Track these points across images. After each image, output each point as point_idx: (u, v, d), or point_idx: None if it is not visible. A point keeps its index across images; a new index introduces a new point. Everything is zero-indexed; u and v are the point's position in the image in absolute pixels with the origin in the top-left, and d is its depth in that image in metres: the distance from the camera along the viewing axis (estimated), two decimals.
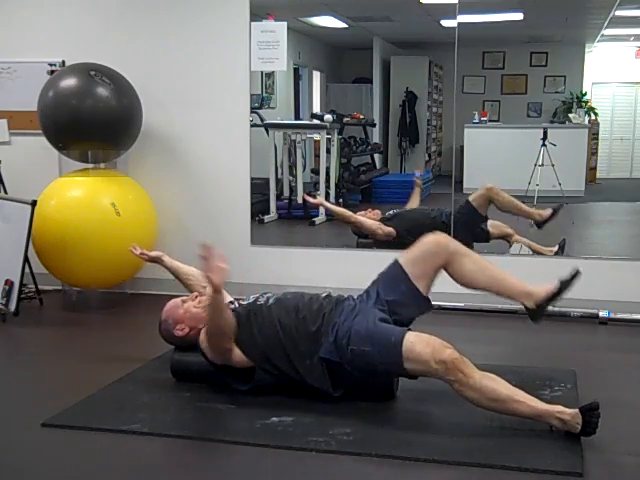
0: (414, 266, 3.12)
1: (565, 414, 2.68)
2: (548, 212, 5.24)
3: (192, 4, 5.00)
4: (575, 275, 3.10)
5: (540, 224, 5.27)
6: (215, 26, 4.99)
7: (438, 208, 5.28)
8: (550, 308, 3.09)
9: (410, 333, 2.87)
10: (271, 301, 3.20)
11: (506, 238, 5.18)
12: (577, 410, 2.68)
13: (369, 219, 5.35)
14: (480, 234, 5.18)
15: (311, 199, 5.53)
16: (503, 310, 4.46)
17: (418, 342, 2.80)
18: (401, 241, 5.12)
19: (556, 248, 5.12)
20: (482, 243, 5.14)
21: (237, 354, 3.07)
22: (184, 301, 3.32)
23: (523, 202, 5.46)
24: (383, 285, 3.18)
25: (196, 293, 3.39)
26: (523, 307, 3.11)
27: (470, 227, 5.18)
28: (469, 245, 4.99)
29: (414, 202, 5.60)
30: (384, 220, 5.32)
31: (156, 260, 3.76)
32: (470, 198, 5.24)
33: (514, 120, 6.42)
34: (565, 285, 3.09)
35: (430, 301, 3.15)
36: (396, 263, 3.16)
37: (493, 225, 5.23)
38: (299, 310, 3.11)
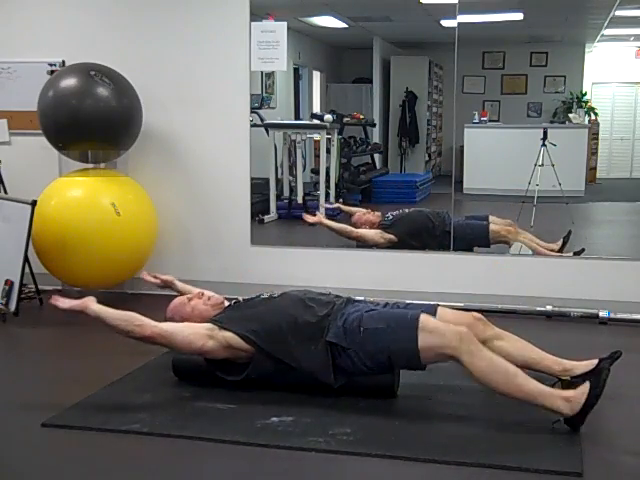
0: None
1: (569, 393, 2.76)
2: (559, 243, 5.20)
3: (192, 4, 5.00)
4: (616, 357, 2.99)
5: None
6: (215, 26, 4.99)
7: (438, 213, 5.27)
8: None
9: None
10: (276, 295, 3.26)
11: (506, 241, 5.17)
12: (580, 390, 2.75)
13: (371, 223, 5.34)
14: (481, 239, 5.19)
15: (310, 218, 5.45)
16: (503, 310, 4.46)
17: (434, 320, 2.93)
18: (402, 245, 5.14)
19: (560, 242, 5.13)
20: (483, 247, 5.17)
21: (235, 342, 3.08)
22: (190, 299, 3.34)
23: (523, 202, 5.47)
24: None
25: (201, 290, 3.41)
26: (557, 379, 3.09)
27: (473, 234, 5.20)
28: (469, 248, 5.07)
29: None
30: (384, 227, 5.30)
31: (168, 284, 3.80)
32: (492, 225, 5.21)
33: (514, 120, 6.42)
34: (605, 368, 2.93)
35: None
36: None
37: (494, 230, 5.22)
38: (306, 302, 3.16)
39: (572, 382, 3.07)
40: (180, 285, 3.80)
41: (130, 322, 3.00)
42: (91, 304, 3.03)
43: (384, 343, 2.94)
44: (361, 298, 3.36)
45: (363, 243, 5.28)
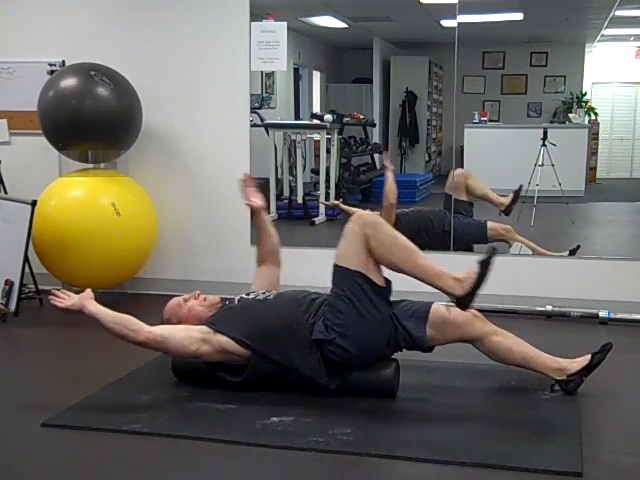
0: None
1: (460, 274, 2.94)
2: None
3: (192, 4, 5.00)
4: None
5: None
6: (215, 26, 4.98)
7: (438, 212, 5.27)
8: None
9: None
10: (271, 296, 3.24)
11: (505, 239, 5.18)
12: (470, 270, 2.91)
13: None
14: (479, 236, 5.19)
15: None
16: (503, 310, 4.46)
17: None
18: None
19: (510, 196, 5.26)
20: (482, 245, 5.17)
21: (230, 346, 3.07)
22: (186, 300, 3.33)
23: (523, 202, 5.47)
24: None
25: (198, 292, 3.40)
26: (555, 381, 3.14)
27: (471, 233, 5.20)
28: (469, 248, 5.08)
29: None
30: None
31: (255, 210, 3.60)
32: (490, 224, 5.26)
33: (514, 120, 6.42)
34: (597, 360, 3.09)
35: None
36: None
37: (492, 227, 5.24)
38: (300, 303, 3.15)
39: (569, 381, 3.09)
40: (264, 219, 3.62)
41: (125, 326, 2.99)
42: (88, 304, 3.02)
43: (342, 300, 3.01)
44: None
45: None
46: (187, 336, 3.06)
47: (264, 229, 3.64)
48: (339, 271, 3.06)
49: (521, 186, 5.33)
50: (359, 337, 3.02)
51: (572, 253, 4.93)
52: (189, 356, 3.09)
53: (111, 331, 3.00)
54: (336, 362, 3.04)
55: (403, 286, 3.21)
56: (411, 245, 3.02)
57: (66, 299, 3.06)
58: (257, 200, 3.59)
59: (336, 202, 5.58)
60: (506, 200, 5.31)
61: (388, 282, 3.11)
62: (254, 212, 3.60)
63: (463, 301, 2.95)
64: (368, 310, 3.02)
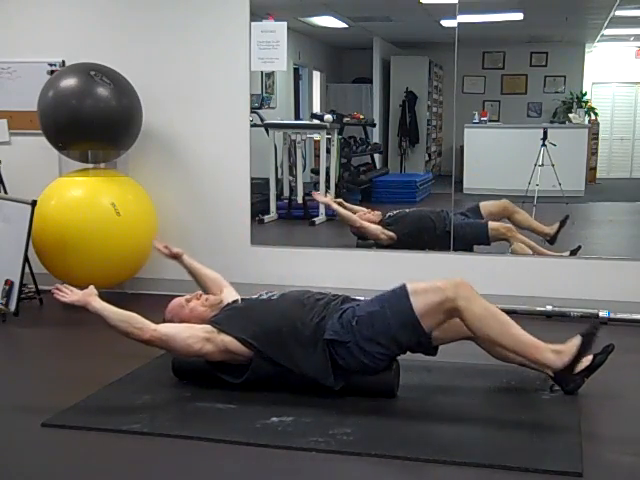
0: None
1: (559, 347, 2.85)
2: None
3: (192, 4, 5.00)
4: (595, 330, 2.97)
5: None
6: (215, 26, 4.98)
7: (439, 212, 5.27)
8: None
9: None
10: (275, 296, 3.25)
11: (507, 239, 5.18)
12: (571, 343, 2.85)
13: (371, 223, 5.34)
14: (481, 237, 5.19)
15: (319, 197, 5.50)
16: (503, 310, 4.45)
17: (422, 282, 2.96)
18: (402, 245, 5.14)
19: (556, 226, 5.22)
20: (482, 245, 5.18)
21: (234, 346, 3.07)
22: (188, 300, 3.33)
23: (523, 202, 5.47)
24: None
25: (199, 292, 3.40)
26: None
27: (472, 233, 5.21)
28: (469, 248, 5.08)
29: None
30: (385, 224, 5.31)
31: (177, 257, 3.69)
32: (491, 224, 5.23)
33: (514, 120, 6.42)
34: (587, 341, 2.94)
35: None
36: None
37: (493, 227, 5.23)
38: (305, 303, 3.15)
39: (570, 381, 3.08)
40: (188, 261, 3.70)
41: (130, 324, 2.99)
42: (93, 301, 3.02)
43: (383, 323, 2.95)
44: (361, 298, 3.35)
45: (363, 236, 5.28)
46: (191, 335, 3.06)
47: (193, 267, 3.68)
48: (403, 297, 2.94)
49: (567, 216, 5.29)
50: (375, 357, 3.00)
51: (573, 253, 4.93)
52: (193, 355, 3.09)
53: (116, 329, 3.00)
54: (341, 366, 3.03)
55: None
56: (504, 316, 2.91)
57: (69, 294, 3.06)
58: (168, 247, 3.66)
59: (326, 199, 5.56)
60: (551, 230, 5.24)
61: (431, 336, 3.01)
62: (175, 258, 3.68)
63: (561, 374, 2.87)
64: (397, 344, 2.99)
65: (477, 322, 2.86)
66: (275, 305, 3.19)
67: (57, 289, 3.09)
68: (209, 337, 3.07)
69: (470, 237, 5.18)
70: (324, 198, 5.50)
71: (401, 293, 2.95)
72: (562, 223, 5.27)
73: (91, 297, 3.03)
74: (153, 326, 3.03)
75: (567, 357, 2.82)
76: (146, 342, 3.02)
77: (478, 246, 5.18)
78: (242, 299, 3.31)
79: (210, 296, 3.37)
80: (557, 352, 2.85)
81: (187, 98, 5.08)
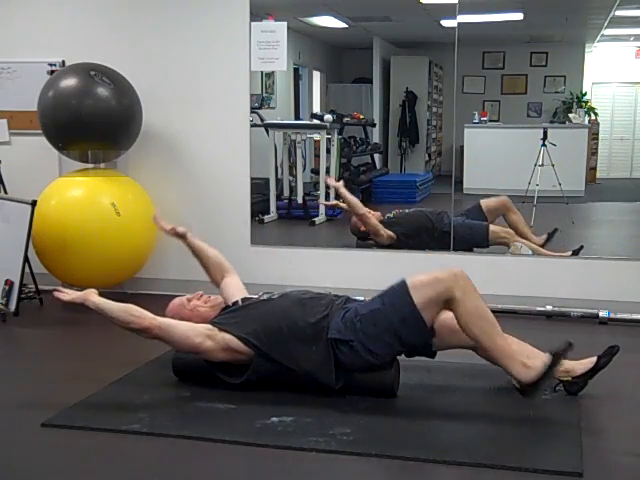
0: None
1: (530, 362, 2.87)
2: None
3: (192, 4, 5.00)
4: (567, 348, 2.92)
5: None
6: (215, 26, 4.98)
7: (438, 213, 5.27)
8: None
9: None
10: (275, 296, 3.25)
11: (506, 242, 5.18)
12: (540, 360, 2.85)
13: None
14: (481, 239, 5.20)
15: (330, 181, 5.48)
16: (503, 310, 4.46)
17: (420, 274, 2.97)
18: (402, 245, 5.14)
19: (544, 237, 5.22)
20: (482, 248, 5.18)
21: (234, 344, 3.07)
22: (189, 300, 3.33)
23: (523, 202, 5.48)
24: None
25: (200, 292, 3.40)
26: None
27: (472, 235, 5.20)
28: (469, 249, 5.08)
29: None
30: (385, 225, 5.30)
31: (181, 235, 3.59)
32: (492, 226, 5.24)
33: (514, 120, 6.42)
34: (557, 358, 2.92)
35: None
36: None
37: (493, 230, 5.23)
38: (305, 302, 3.15)
39: (573, 382, 3.09)
40: (192, 240, 3.59)
41: (129, 313, 3.01)
42: (91, 296, 3.04)
43: (385, 320, 2.96)
44: (360, 298, 3.35)
45: (363, 234, 5.27)
46: (192, 328, 3.07)
47: (197, 248, 3.61)
48: (403, 293, 2.95)
49: (556, 229, 5.31)
50: (379, 355, 3.01)
51: (575, 254, 4.93)
52: (192, 349, 3.07)
53: (116, 320, 3.01)
54: (344, 364, 3.03)
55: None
56: (492, 318, 2.93)
57: (70, 293, 3.09)
58: (174, 227, 3.57)
59: (335, 202, 5.58)
60: (540, 241, 5.24)
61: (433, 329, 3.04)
62: (180, 237, 3.60)
63: (528, 389, 2.87)
64: (400, 340, 3.00)
65: (466, 317, 2.89)
66: (276, 304, 3.19)
67: (57, 290, 3.11)
68: (210, 334, 3.07)
69: (470, 239, 5.18)
70: (335, 182, 5.45)
71: (401, 288, 2.96)
72: (550, 235, 5.28)
73: (90, 294, 3.05)
74: (152, 315, 3.04)
75: (535, 374, 2.83)
76: (146, 330, 3.01)
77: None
78: (242, 300, 3.30)
79: (211, 296, 3.38)
80: (527, 367, 2.86)
81: (187, 98, 5.07)
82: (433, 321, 2.98)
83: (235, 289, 3.46)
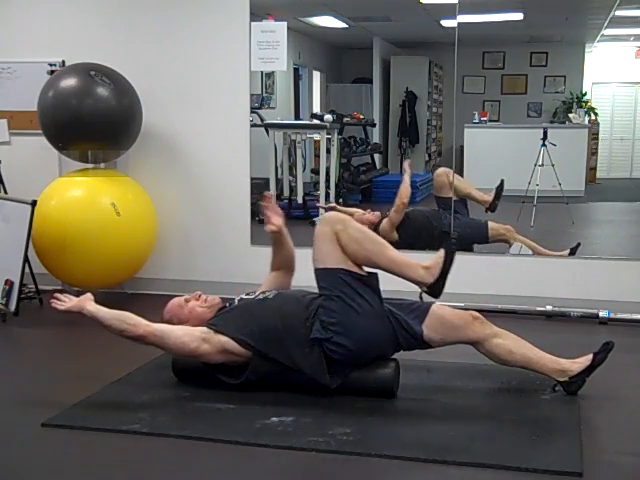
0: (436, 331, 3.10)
1: (427, 263, 3.06)
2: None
3: (192, 4, 5.00)
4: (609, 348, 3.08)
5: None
6: (215, 26, 4.98)
7: (437, 211, 5.27)
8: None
9: None
10: (271, 296, 3.24)
11: (506, 239, 5.18)
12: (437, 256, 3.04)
13: (371, 223, 5.32)
14: (480, 237, 5.19)
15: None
16: (503, 310, 4.46)
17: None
18: (402, 245, 5.13)
19: (492, 193, 5.34)
20: (481, 245, 5.17)
21: (231, 346, 3.07)
22: (187, 300, 3.33)
23: (523, 202, 5.48)
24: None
25: (198, 292, 3.40)
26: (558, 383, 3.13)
27: (472, 233, 5.20)
28: (469, 248, 5.08)
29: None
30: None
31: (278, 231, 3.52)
32: (491, 223, 5.26)
33: (514, 120, 6.42)
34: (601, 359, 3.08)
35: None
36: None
37: (493, 227, 5.24)
38: (300, 301, 3.15)
39: (571, 382, 3.09)
40: (286, 238, 3.57)
41: (124, 321, 3.02)
42: (87, 305, 3.05)
43: (336, 289, 3.04)
44: None
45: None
46: (187, 334, 3.07)
47: (282, 243, 3.58)
48: (321, 273, 3.11)
49: (502, 181, 5.36)
50: (356, 332, 3.03)
51: (572, 252, 4.93)
52: (188, 354, 3.08)
53: (111, 328, 3.02)
54: (337, 360, 3.04)
55: (397, 286, 3.22)
56: (380, 239, 3.12)
57: (67, 302, 3.09)
58: (277, 222, 3.48)
59: (333, 204, 5.57)
60: (489, 197, 5.34)
61: (372, 274, 3.13)
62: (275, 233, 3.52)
63: (434, 288, 3.05)
64: (359, 303, 3.04)
65: (353, 244, 3.02)
66: (271, 304, 3.19)
67: (55, 298, 3.12)
68: (205, 337, 3.07)
69: (470, 237, 5.18)
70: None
71: (322, 272, 3.10)
72: (498, 190, 5.34)
73: (86, 302, 3.06)
74: (147, 322, 3.04)
75: (436, 270, 3.03)
76: (140, 337, 3.02)
77: (478, 245, 5.19)
78: (239, 299, 3.30)
79: (209, 296, 3.37)
80: (426, 268, 3.05)
81: (187, 98, 5.08)
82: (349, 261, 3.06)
83: (270, 283, 3.52)
